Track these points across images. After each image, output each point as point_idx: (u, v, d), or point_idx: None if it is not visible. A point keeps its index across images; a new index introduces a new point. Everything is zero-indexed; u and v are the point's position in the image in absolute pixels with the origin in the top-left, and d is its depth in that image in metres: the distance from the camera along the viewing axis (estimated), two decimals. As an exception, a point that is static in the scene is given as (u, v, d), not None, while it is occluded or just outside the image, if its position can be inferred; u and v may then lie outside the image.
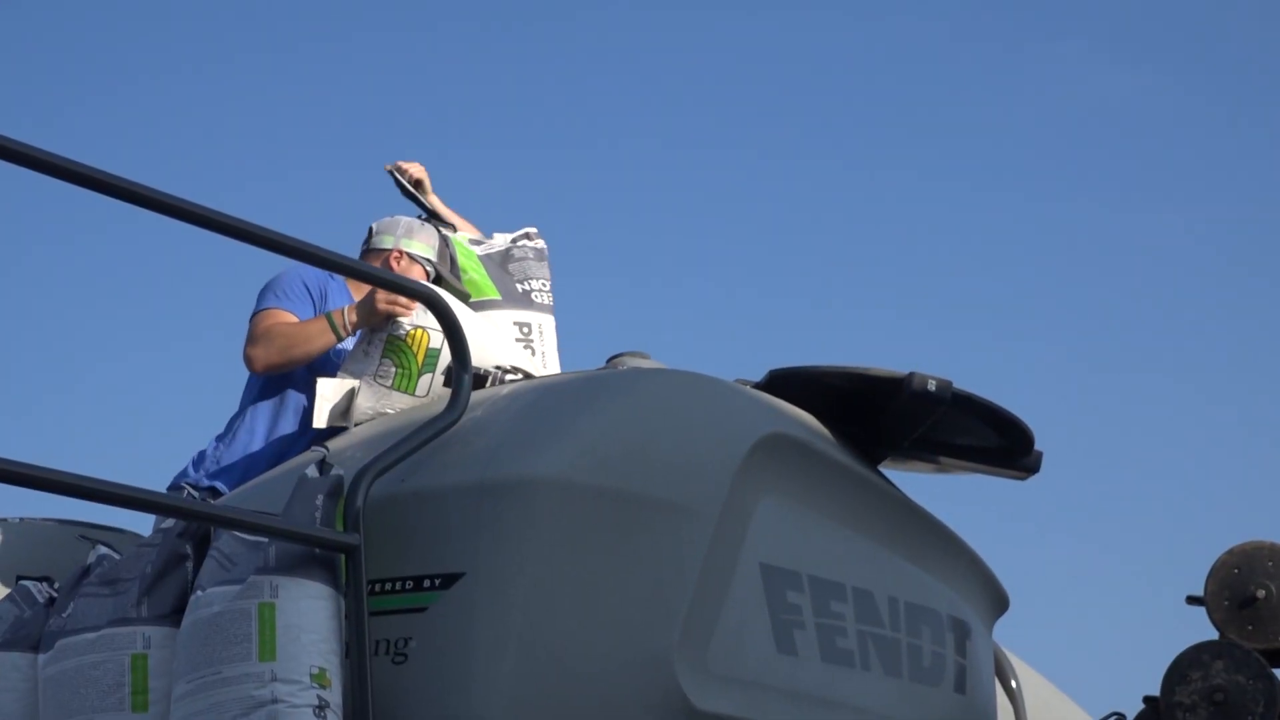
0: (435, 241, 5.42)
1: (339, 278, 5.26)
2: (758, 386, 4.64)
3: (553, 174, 16.71)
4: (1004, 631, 5.38)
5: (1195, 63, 17.19)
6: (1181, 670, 6.10)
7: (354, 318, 4.86)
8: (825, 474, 4.44)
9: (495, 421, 4.08)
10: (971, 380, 4.73)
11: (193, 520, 3.97)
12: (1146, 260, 17.14)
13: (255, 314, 5.15)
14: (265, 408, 5.19)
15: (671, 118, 16.94)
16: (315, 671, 3.67)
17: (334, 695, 3.69)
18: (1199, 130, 17.19)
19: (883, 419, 4.66)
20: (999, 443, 5.01)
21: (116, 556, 4.19)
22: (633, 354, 4.66)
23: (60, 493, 4.58)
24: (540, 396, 4.19)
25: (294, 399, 5.17)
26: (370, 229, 5.46)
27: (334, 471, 3.87)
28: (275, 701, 3.64)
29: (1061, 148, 17.17)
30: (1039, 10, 17.09)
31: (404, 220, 5.45)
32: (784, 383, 4.61)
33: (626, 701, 3.84)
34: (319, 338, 4.98)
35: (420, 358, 4.64)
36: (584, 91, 17.01)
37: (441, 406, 4.05)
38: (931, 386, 4.60)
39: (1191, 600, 6.52)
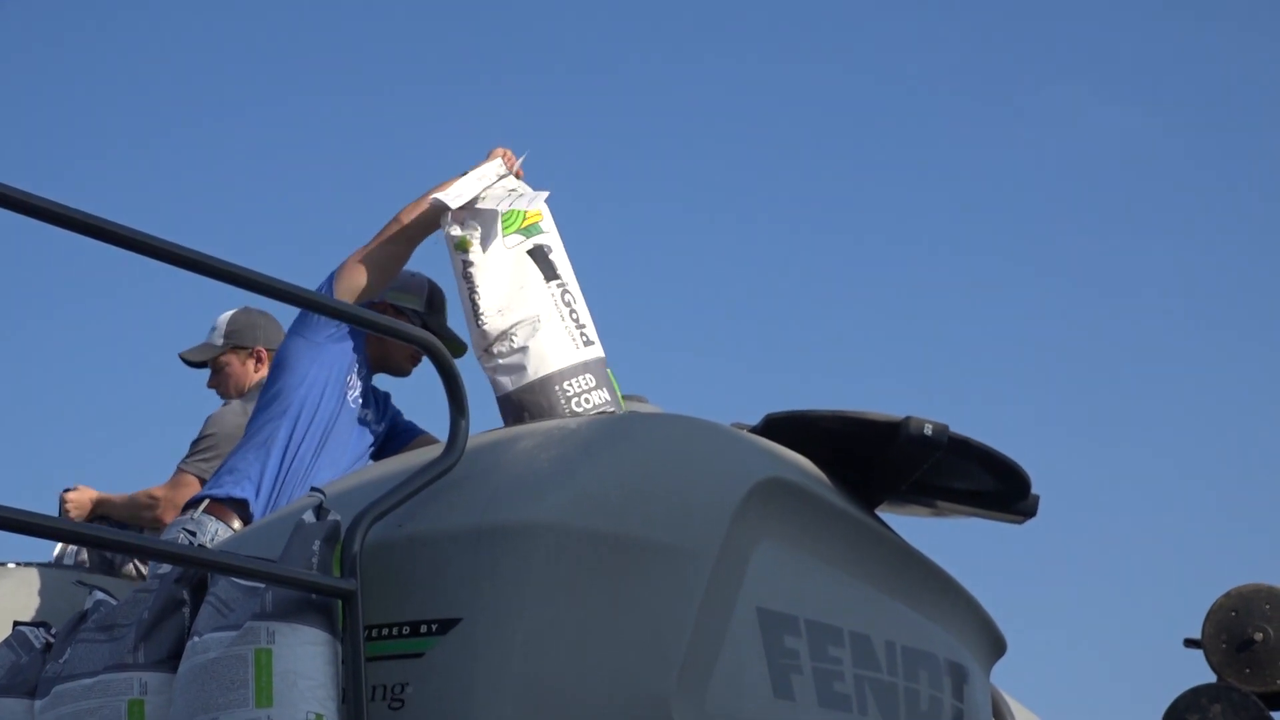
0: (424, 292, 5.44)
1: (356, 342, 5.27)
2: (754, 431, 4.65)
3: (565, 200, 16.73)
4: (1002, 675, 5.39)
5: (1184, 102, 17.26)
6: (1179, 713, 6.13)
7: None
8: (822, 518, 4.44)
9: (492, 466, 4.08)
10: (968, 420, 4.75)
11: (189, 566, 3.97)
12: (1137, 298, 17.19)
13: (337, 274, 5.09)
14: (286, 421, 5.16)
15: (668, 151, 16.99)
16: (312, 717, 3.67)
17: (331, 741, 3.68)
18: (1189, 165, 17.27)
19: (879, 463, 4.66)
20: (996, 487, 5.01)
21: (113, 602, 4.18)
22: (630, 398, 4.69)
23: (58, 539, 4.60)
24: (537, 441, 4.20)
25: (315, 409, 5.16)
26: None
27: (331, 516, 3.87)
28: (272, 747, 3.63)
29: (1057, 184, 17.23)
30: (1034, 54, 17.17)
31: None
32: (780, 427, 4.62)
33: (624, 746, 3.83)
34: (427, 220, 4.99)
35: (522, 224, 4.80)
36: (582, 117, 17.06)
37: (438, 451, 4.05)
38: (928, 431, 4.60)
39: (1189, 643, 6.54)
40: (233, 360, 6.07)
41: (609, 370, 4.77)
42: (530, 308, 4.74)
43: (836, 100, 17.16)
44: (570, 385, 4.70)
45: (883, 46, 17.16)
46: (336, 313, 4.36)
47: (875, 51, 17.14)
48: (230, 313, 6.21)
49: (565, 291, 4.79)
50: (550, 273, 4.80)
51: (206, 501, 5.15)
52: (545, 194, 4.93)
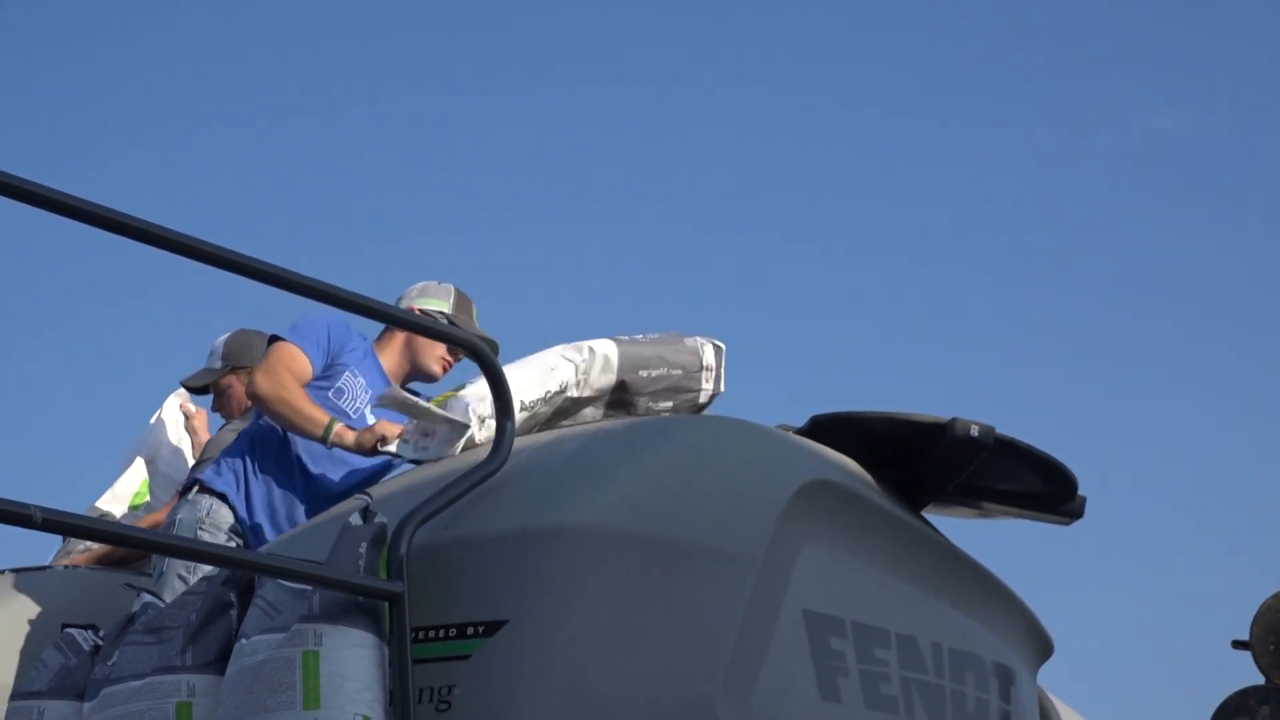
0: (451, 297, 5.58)
1: (360, 347, 5.45)
2: (800, 432, 4.65)
3: (588, 216, 16.77)
4: (1048, 676, 5.39)
5: (1236, 103, 17.21)
6: (1227, 715, 6.11)
7: (347, 440, 5.11)
8: (868, 520, 4.45)
9: (537, 469, 4.09)
10: (1012, 421, 4.74)
11: (237, 568, 4.00)
12: (1190, 296, 17.14)
13: (278, 342, 5.34)
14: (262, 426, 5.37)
15: (716, 150, 17.00)
16: (360, 719, 3.68)
17: (378, 742, 3.70)
18: (1240, 165, 17.23)
19: (925, 464, 4.66)
20: (1042, 488, 5.01)
21: (161, 604, 4.22)
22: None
23: (109, 543, 4.62)
24: (583, 444, 4.22)
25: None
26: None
27: (377, 519, 3.89)
28: (320, 749, 3.65)
29: (1105, 182, 17.20)
30: (1082, 51, 17.15)
31: (420, 283, 5.61)
32: (826, 428, 4.62)
33: (670, 748, 3.83)
34: (310, 428, 5.18)
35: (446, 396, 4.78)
36: (615, 125, 17.08)
37: (484, 454, 4.06)
38: (974, 432, 4.59)
39: (1237, 645, 6.51)
40: (234, 381, 6.21)
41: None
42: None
43: (874, 103, 17.16)
44: None
45: (922, 46, 17.14)
46: (387, 317, 4.35)
47: (915, 52, 17.12)
48: (225, 336, 6.32)
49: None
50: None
51: (198, 485, 5.36)
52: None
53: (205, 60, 16.59)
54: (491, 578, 3.85)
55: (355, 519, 3.90)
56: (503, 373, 4.18)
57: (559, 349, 4.90)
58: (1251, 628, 6.37)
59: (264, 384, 5.20)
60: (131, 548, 5.30)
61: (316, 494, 5.32)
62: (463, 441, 4.59)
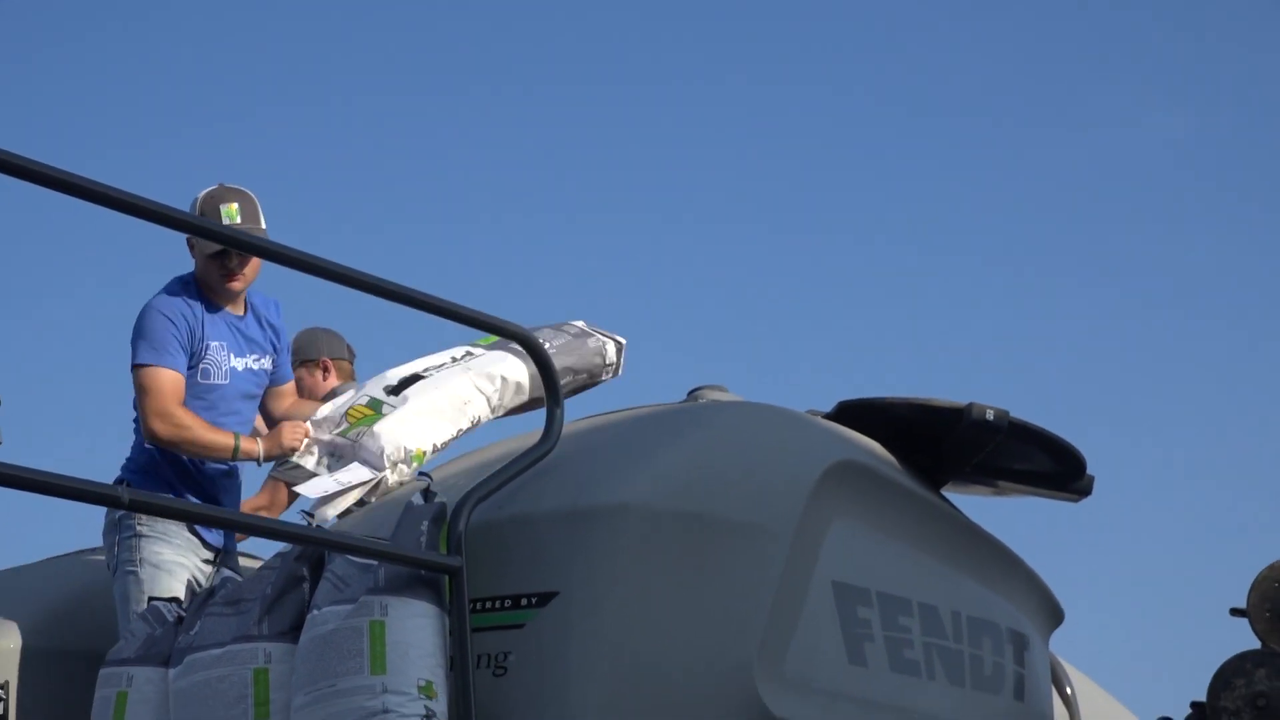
0: (194, 208, 5.19)
1: (202, 313, 5.12)
2: (828, 417, 4.78)
3: (624, 212, 16.85)
4: (1060, 642, 5.52)
5: (1239, 105, 17.28)
6: (1226, 677, 6.20)
7: (256, 453, 4.98)
8: (892, 497, 4.56)
9: (586, 452, 4.24)
10: (1024, 405, 4.92)
11: (310, 546, 4.13)
12: (1187, 279, 17.23)
13: (149, 370, 5.00)
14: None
15: (749, 145, 17.05)
16: (422, 684, 3.85)
17: (440, 705, 3.87)
18: (1242, 167, 17.29)
19: (944, 446, 4.78)
20: (1053, 468, 5.11)
21: (239, 579, 4.38)
22: (712, 387, 4.76)
23: (193, 522, 4.81)
24: (627, 428, 4.36)
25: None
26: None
27: (438, 499, 4.04)
28: (386, 711, 3.81)
29: (1112, 185, 17.25)
30: (1089, 56, 17.20)
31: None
32: (852, 413, 4.75)
33: (710, 709, 3.98)
34: (220, 454, 5.00)
35: (360, 417, 4.91)
36: (647, 122, 17.16)
37: (536, 438, 4.22)
38: (990, 416, 4.72)
39: (1235, 612, 6.64)
40: (304, 375, 6.15)
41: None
42: None
43: (887, 103, 17.21)
44: None
45: (935, 50, 17.19)
46: (412, 301, 4.10)
47: (929, 56, 17.16)
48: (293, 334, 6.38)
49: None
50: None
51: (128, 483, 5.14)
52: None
53: (201, 58, 16.62)
54: (543, 552, 4.00)
55: (417, 499, 4.06)
56: (551, 361, 4.32)
57: (472, 378, 4.91)
58: (1248, 596, 6.50)
59: (161, 428, 4.92)
60: (215, 528, 5.46)
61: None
62: (367, 490, 4.67)
